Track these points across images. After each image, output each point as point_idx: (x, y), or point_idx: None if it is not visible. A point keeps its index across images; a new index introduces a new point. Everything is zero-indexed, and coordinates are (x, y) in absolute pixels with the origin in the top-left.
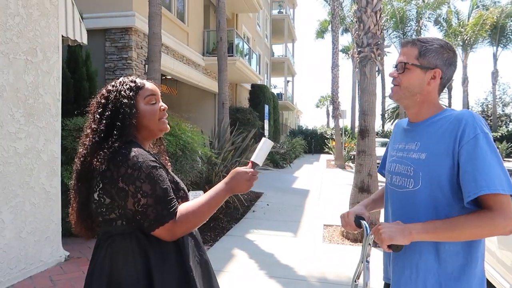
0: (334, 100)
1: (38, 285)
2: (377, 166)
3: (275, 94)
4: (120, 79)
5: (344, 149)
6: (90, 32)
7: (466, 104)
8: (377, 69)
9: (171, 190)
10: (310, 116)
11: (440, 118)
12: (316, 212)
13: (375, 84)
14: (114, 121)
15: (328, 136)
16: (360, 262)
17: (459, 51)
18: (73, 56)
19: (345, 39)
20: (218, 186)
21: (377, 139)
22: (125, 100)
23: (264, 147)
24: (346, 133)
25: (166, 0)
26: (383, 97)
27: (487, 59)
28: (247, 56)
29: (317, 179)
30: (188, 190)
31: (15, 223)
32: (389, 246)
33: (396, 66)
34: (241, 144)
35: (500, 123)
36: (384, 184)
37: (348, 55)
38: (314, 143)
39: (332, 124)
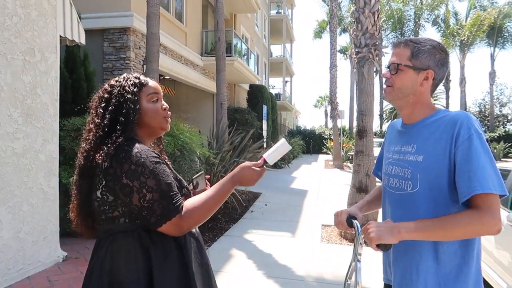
0: (332, 100)
1: (36, 285)
2: None
3: (274, 94)
4: (124, 75)
5: (342, 149)
6: (88, 32)
7: (463, 105)
8: (375, 70)
9: (175, 185)
10: (309, 116)
11: (435, 119)
12: (314, 212)
13: (373, 84)
14: (117, 116)
15: (326, 136)
16: (352, 262)
17: (456, 51)
18: (71, 56)
19: (343, 40)
20: (223, 180)
21: (375, 140)
22: (129, 96)
23: (280, 148)
24: (344, 133)
25: (165, 0)
26: (381, 97)
27: (484, 59)
28: (245, 56)
29: (315, 179)
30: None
31: (13, 223)
32: (378, 246)
33: (389, 67)
34: (240, 145)
35: (497, 123)
36: (380, 184)
37: (346, 55)
38: (312, 143)
39: (330, 124)
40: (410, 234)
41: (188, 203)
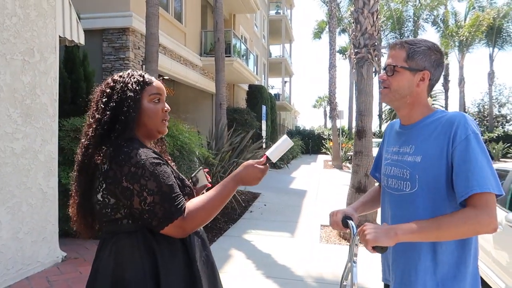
0: (331, 100)
1: (35, 285)
2: None
3: (273, 94)
4: (128, 71)
5: (342, 149)
6: (87, 32)
7: (462, 105)
8: (374, 70)
9: (177, 186)
10: (308, 117)
11: (432, 120)
12: (313, 213)
13: (372, 85)
14: (117, 113)
15: (325, 137)
16: (348, 262)
17: (455, 52)
18: (70, 57)
19: (343, 40)
20: (226, 179)
21: (374, 140)
22: (131, 94)
23: (282, 144)
24: (344, 133)
25: (164, 1)
26: (380, 97)
27: (483, 60)
28: (244, 57)
29: (314, 180)
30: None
31: (12, 224)
32: (374, 248)
33: (385, 69)
34: (239, 145)
35: (496, 123)
36: (376, 185)
37: (345, 55)
38: (312, 143)
39: (329, 125)
40: (407, 236)
41: (191, 204)
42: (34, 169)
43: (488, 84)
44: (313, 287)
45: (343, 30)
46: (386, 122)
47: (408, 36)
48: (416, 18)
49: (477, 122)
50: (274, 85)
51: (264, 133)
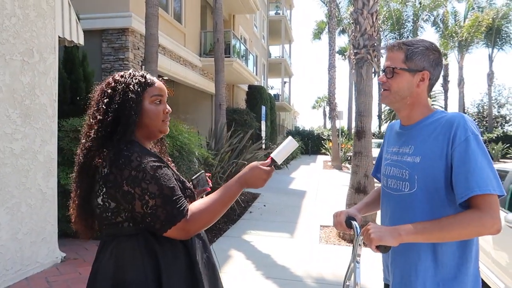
0: (330, 101)
1: (34, 286)
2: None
3: (272, 95)
4: (130, 71)
5: (341, 150)
6: (86, 32)
7: (462, 106)
8: (373, 71)
9: (178, 189)
10: (307, 117)
11: (432, 121)
12: (313, 213)
13: (371, 85)
14: (119, 115)
15: (325, 137)
16: (351, 263)
17: (455, 52)
18: (69, 57)
19: (342, 40)
20: (231, 181)
21: (373, 140)
22: (133, 95)
23: (287, 146)
24: (343, 134)
25: (163, 1)
26: (380, 98)
27: (483, 60)
28: (244, 57)
29: (314, 180)
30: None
31: (11, 224)
32: (377, 247)
33: (384, 71)
34: (238, 145)
35: (495, 124)
36: (378, 185)
37: (345, 56)
38: (311, 144)
39: (329, 125)
40: (410, 236)
41: (194, 206)
42: (33, 169)
43: (488, 85)
44: None
45: (343, 31)
46: (386, 122)
47: (407, 37)
48: (415, 19)
49: (477, 123)
50: (273, 85)
51: (263, 134)
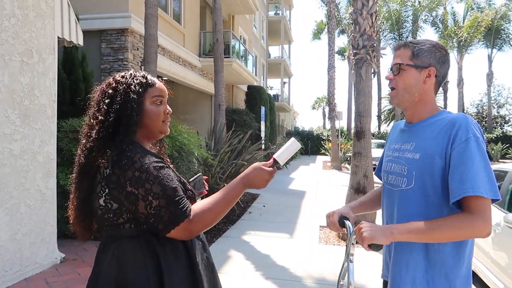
0: (330, 101)
1: (33, 287)
2: (373, 168)
3: (272, 95)
4: (131, 72)
5: (341, 150)
6: (86, 33)
7: (461, 106)
8: (372, 71)
9: (180, 189)
10: (307, 118)
11: (436, 120)
12: (312, 214)
13: (371, 85)
14: (120, 116)
15: (324, 138)
16: (344, 262)
17: (454, 52)
18: (69, 58)
19: (341, 41)
20: (234, 181)
21: (373, 141)
22: (134, 96)
23: (290, 147)
24: (343, 134)
25: (162, 1)
26: (379, 98)
27: (482, 61)
28: (243, 58)
29: (313, 181)
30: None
31: (11, 225)
32: (370, 246)
33: (391, 69)
34: (238, 146)
35: (495, 124)
36: (378, 186)
37: (344, 56)
38: (311, 144)
39: (328, 126)
40: (402, 235)
41: (197, 207)
42: (32, 170)
43: (487, 85)
44: None
45: (342, 31)
46: (385, 123)
47: (406, 37)
48: (414, 19)
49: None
50: (273, 86)
51: (263, 134)
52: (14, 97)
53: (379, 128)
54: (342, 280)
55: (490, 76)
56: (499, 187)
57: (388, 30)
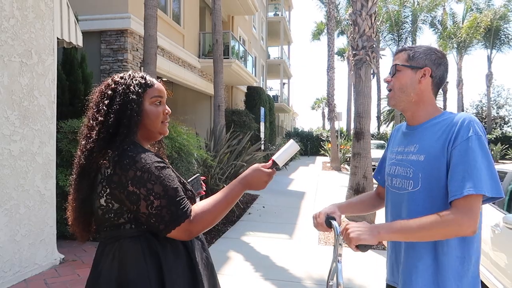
0: (329, 102)
1: None
2: (373, 168)
3: (271, 96)
4: (129, 73)
5: (340, 151)
6: (85, 34)
7: (461, 107)
8: (372, 72)
9: (181, 189)
10: (306, 118)
11: (438, 121)
12: (312, 214)
13: (370, 86)
14: (121, 116)
15: (324, 138)
16: (333, 262)
17: (453, 53)
18: (68, 58)
19: (341, 42)
20: (233, 183)
21: (372, 142)
22: (133, 96)
23: (289, 149)
24: (342, 135)
25: (162, 2)
26: (379, 99)
27: (481, 61)
28: (242, 58)
29: (313, 181)
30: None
31: (10, 226)
32: (357, 246)
33: (390, 72)
34: (237, 147)
35: (494, 125)
36: (373, 189)
37: (343, 57)
38: (310, 145)
39: (328, 126)
40: (389, 235)
41: (197, 207)
42: (31, 171)
43: (486, 86)
44: None
45: (342, 32)
46: (385, 123)
47: (406, 38)
48: (414, 20)
49: None
50: (272, 86)
51: (262, 135)
52: (13, 98)
53: (378, 129)
54: (331, 280)
55: (489, 77)
56: None
57: (388, 31)
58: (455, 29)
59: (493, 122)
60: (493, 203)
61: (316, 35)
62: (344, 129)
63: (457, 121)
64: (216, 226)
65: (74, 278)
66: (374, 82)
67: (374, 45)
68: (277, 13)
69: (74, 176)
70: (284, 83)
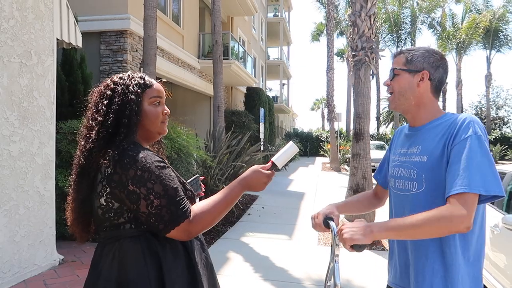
0: (329, 103)
1: None
2: (372, 169)
3: (271, 97)
4: (128, 73)
5: (340, 152)
6: (85, 35)
7: (460, 107)
8: (371, 73)
9: (181, 189)
10: (306, 119)
11: (440, 122)
12: (311, 215)
13: (369, 87)
14: (120, 116)
15: (323, 139)
16: (330, 263)
17: (453, 54)
18: (68, 59)
19: (340, 42)
20: (232, 183)
21: (372, 142)
22: (133, 96)
23: (288, 151)
24: (342, 136)
25: (162, 3)
26: (378, 100)
27: (480, 62)
28: (242, 59)
29: (312, 182)
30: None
31: (9, 227)
32: (352, 247)
33: (389, 76)
34: (237, 148)
35: (493, 126)
36: (368, 190)
37: (343, 58)
38: (310, 146)
39: (327, 127)
40: (382, 233)
41: (196, 208)
42: (31, 172)
43: (486, 86)
44: None
45: (341, 33)
46: (384, 124)
47: (405, 39)
48: (413, 21)
49: None
50: (272, 87)
51: (262, 136)
52: (13, 99)
53: (378, 130)
54: (329, 281)
55: (488, 78)
56: None
57: (387, 32)
58: (454, 30)
59: (492, 123)
60: (492, 203)
61: (316, 36)
62: (344, 129)
63: (457, 121)
64: (216, 226)
65: (73, 279)
66: (373, 83)
67: (374, 46)
68: (277, 14)
69: (73, 176)
70: (283, 84)
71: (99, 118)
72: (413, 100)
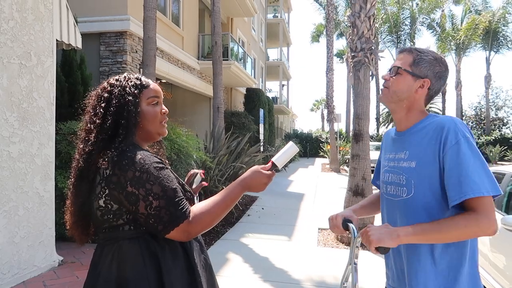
0: (328, 104)
1: None
2: (371, 170)
3: (270, 98)
4: (125, 75)
5: (339, 152)
6: (84, 36)
7: (459, 108)
8: (371, 74)
9: (180, 190)
10: (305, 120)
11: (424, 125)
12: (311, 216)
13: (369, 88)
14: (118, 118)
15: (323, 140)
16: (348, 265)
17: (452, 55)
18: (67, 60)
19: (340, 43)
20: (232, 184)
21: (371, 143)
22: (130, 98)
23: (288, 151)
24: (341, 136)
25: (161, 4)
26: (378, 101)
27: (480, 63)
28: (242, 60)
29: (312, 183)
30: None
31: (9, 228)
32: (377, 249)
33: (390, 70)
34: (236, 148)
35: (493, 126)
36: (376, 188)
37: (342, 59)
38: (309, 146)
39: (327, 128)
40: (409, 237)
41: (196, 208)
42: (30, 173)
43: (485, 87)
44: None
45: (341, 34)
46: (384, 125)
47: (405, 40)
48: (412, 21)
49: (474, 125)
50: (271, 88)
51: (261, 137)
52: (12, 100)
53: (377, 131)
54: (345, 282)
55: (488, 79)
56: None
57: (387, 33)
58: (453, 31)
59: (491, 124)
60: None
61: (315, 37)
62: (344, 130)
63: (443, 126)
64: (215, 227)
65: (73, 280)
66: (373, 83)
67: (373, 47)
68: (276, 15)
69: (72, 180)
70: (283, 85)
71: (97, 121)
72: (406, 103)
